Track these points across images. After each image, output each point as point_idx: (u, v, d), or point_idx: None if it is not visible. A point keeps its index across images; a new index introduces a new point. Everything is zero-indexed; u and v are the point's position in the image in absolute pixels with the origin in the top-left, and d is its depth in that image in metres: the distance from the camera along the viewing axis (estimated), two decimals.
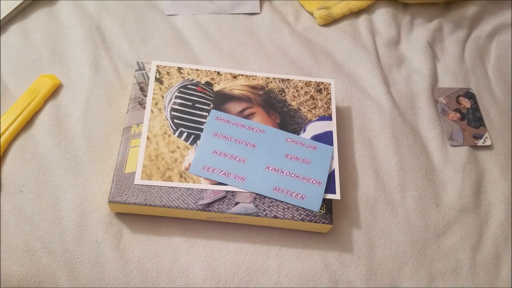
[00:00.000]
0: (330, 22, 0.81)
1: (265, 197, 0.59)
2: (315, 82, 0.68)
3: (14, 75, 0.67)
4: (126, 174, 0.58)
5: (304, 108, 0.66)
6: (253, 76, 0.67)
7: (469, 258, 0.63)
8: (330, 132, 0.64)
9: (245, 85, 0.66)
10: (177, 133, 0.61)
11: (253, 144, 0.62)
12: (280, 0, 0.83)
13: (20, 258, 0.55)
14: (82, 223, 0.58)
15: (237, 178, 0.59)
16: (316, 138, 0.63)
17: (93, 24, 0.74)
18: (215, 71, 0.67)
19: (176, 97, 0.64)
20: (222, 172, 0.59)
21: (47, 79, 0.66)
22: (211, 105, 0.64)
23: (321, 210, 0.59)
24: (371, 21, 0.82)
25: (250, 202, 0.58)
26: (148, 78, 0.65)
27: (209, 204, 0.57)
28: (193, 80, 0.66)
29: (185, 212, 0.58)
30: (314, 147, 0.62)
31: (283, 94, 0.66)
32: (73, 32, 0.72)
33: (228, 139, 0.62)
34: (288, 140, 0.63)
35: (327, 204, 0.59)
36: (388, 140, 0.70)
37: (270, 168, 0.60)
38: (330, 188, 0.60)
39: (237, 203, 0.58)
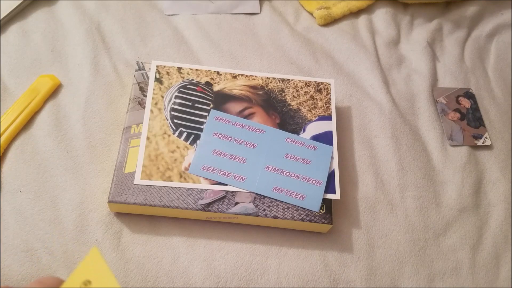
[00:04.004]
0: (330, 22, 0.81)
1: (265, 197, 0.59)
2: (315, 82, 0.68)
3: (14, 75, 0.67)
4: (126, 174, 0.58)
5: (304, 108, 0.66)
6: (253, 76, 0.67)
7: (469, 258, 0.63)
8: (330, 132, 0.64)
9: (245, 85, 0.66)
10: (177, 133, 0.61)
11: (253, 144, 0.62)
12: (280, 0, 0.83)
13: (20, 258, 0.55)
14: (82, 223, 0.58)
15: (237, 178, 0.59)
16: (316, 138, 0.63)
17: (93, 24, 0.74)
18: (215, 71, 0.67)
19: (176, 97, 0.64)
20: (222, 172, 0.59)
21: (47, 79, 0.66)
22: (211, 105, 0.64)
23: (321, 210, 0.59)
24: (371, 21, 0.82)
25: (250, 202, 0.58)
26: (148, 78, 0.65)
27: (209, 204, 0.57)
28: (193, 80, 0.66)
29: (185, 212, 0.58)
30: (314, 147, 0.62)
31: (283, 94, 0.66)
32: (73, 32, 0.72)
33: (228, 139, 0.62)
34: (288, 140, 0.63)
35: (327, 204, 0.59)
36: (388, 140, 0.70)
37: (270, 168, 0.60)
38: (330, 188, 0.60)
39: (237, 203, 0.58)
